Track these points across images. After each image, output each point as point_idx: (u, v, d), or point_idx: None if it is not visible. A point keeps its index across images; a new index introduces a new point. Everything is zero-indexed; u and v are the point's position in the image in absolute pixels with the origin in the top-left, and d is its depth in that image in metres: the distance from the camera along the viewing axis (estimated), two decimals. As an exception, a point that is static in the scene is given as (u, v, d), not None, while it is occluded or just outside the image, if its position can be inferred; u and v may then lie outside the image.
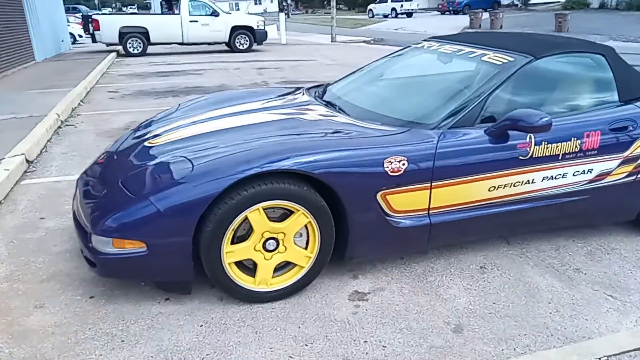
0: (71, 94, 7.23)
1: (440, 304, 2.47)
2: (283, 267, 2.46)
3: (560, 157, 2.61)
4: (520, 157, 2.54)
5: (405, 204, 2.47)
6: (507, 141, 2.51)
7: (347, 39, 20.58)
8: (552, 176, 2.64)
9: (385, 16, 36.48)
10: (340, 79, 3.54)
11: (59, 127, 5.84)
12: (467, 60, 2.92)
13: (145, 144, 2.78)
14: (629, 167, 2.76)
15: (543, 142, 2.56)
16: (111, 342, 2.18)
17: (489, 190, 2.56)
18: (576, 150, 2.63)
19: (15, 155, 4.23)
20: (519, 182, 2.59)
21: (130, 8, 64.19)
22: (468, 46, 3.00)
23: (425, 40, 3.42)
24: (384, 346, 2.18)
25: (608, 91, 2.83)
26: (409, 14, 36.59)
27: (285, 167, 2.21)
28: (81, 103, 7.37)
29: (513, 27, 23.73)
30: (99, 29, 13.84)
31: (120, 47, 14.46)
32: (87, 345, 2.16)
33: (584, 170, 2.69)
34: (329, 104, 3.01)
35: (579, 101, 2.79)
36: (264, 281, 2.40)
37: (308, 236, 2.41)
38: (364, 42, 20.06)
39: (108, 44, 14.43)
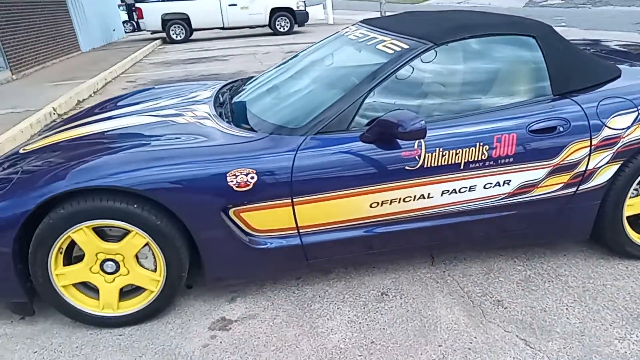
0: (82, 86, 7.35)
1: (308, 340, 2.10)
2: (135, 290, 2.21)
3: (462, 167, 2.12)
4: (407, 168, 2.08)
5: (267, 222, 2.11)
6: (389, 148, 2.06)
7: (401, 16, 19.67)
8: (454, 189, 2.15)
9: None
10: (263, 72, 3.17)
11: (53, 120, 5.92)
12: (364, 49, 2.44)
13: (20, 150, 2.61)
14: (564, 178, 2.20)
15: (437, 149, 2.08)
16: None
17: (370, 206, 2.13)
18: (483, 158, 2.11)
19: (-23, 153, 4.26)
20: (410, 197, 2.13)
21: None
22: (378, 31, 2.52)
23: (354, 24, 2.96)
24: (212, 392, 1.87)
25: (537, 83, 2.25)
26: None
27: (100, 184, 1.93)
28: (92, 95, 7.47)
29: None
30: (142, 17, 14.16)
31: (164, 34, 14.72)
32: None
33: (498, 182, 2.17)
34: (221, 104, 2.69)
35: (494, 97, 2.24)
36: (109, 305, 2.15)
37: (155, 258, 2.13)
38: (417, 18, 19.06)
39: (152, 32, 14.73)
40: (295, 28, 15.29)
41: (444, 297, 2.33)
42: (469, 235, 2.36)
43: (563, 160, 2.17)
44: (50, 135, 2.71)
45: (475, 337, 2.06)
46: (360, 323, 2.19)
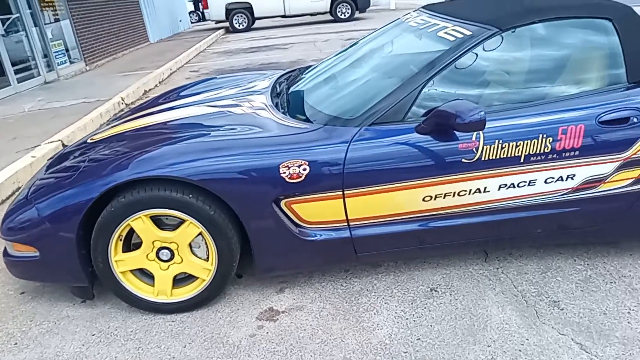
0: (149, 76, 7.65)
1: (353, 334, 2.08)
2: (187, 278, 2.27)
3: (522, 160, 2.01)
4: (464, 160, 2.00)
5: (317, 214, 2.11)
6: (445, 140, 1.99)
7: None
8: (513, 184, 2.05)
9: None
10: (321, 61, 3.15)
11: (121, 110, 6.21)
12: (424, 36, 2.36)
13: (88, 140, 2.75)
14: (635, 173, 2.03)
15: (496, 141, 1.98)
16: (6, 344, 2.21)
17: (423, 200, 2.07)
18: (546, 150, 1.99)
19: (51, 142, 4.55)
20: (465, 190, 2.05)
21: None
22: (440, 18, 2.42)
23: (415, 10, 2.87)
24: (257, 381, 1.90)
25: (611, 70, 2.08)
26: None
27: (158, 174, 1.99)
28: (158, 84, 7.77)
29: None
30: (207, 7, 14.54)
31: (227, 24, 15.04)
32: (-15, 344, 2.22)
33: (561, 177, 2.04)
34: (278, 94, 2.70)
35: (562, 85, 2.09)
36: (163, 292, 2.24)
37: (208, 247, 2.18)
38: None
39: (216, 22, 15.09)
40: (357, 14, 15.14)
41: (495, 295, 2.24)
42: (527, 232, 2.25)
43: (635, 154, 2.01)
44: (117, 125, 2.84)
45: (527, 339, 1.97)
46: (407, 319, 2.15)
